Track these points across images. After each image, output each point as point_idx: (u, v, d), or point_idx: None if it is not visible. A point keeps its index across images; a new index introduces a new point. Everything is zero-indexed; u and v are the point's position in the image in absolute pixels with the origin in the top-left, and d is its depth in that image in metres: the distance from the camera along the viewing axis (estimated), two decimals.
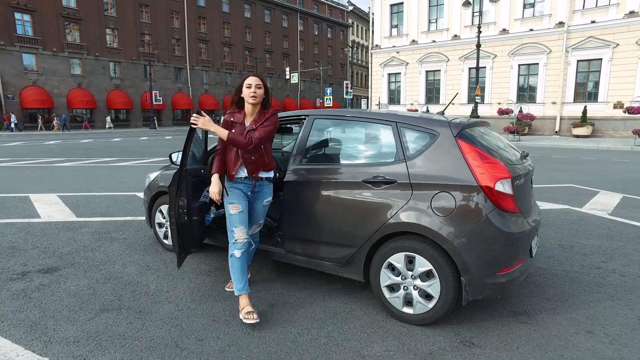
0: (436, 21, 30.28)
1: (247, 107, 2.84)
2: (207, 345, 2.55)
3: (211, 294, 3.30)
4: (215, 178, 2.86)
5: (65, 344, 2.58)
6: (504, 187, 2.53)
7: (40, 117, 36.77)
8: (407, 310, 2.77)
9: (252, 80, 2.79)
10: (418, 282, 2.70)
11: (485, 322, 2.83)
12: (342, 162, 3.19)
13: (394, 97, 33.44)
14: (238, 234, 2.80)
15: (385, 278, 2.82)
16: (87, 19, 39.22)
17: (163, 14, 45.15)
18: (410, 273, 2.72)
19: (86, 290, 3.37)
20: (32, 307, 3.08)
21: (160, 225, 4.34)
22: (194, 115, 2.77)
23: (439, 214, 2.60)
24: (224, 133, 2.75)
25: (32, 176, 9.73)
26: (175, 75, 47.47)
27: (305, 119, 3.34)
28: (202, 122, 2.76)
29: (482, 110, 26.28)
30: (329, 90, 36.15)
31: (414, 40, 31.17)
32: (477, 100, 22.84)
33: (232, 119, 2.85)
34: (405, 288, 2.76)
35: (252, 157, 2.82)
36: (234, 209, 2.81)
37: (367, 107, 33.07)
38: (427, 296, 2.69)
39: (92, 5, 39.46)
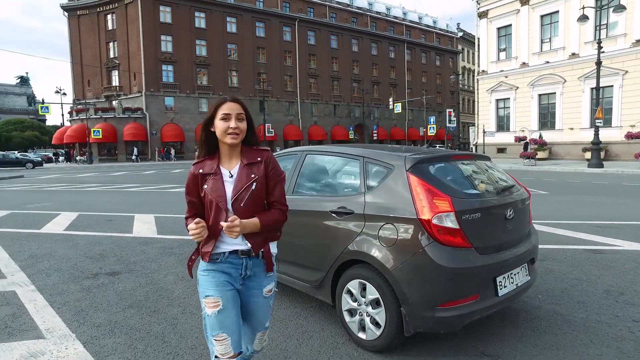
0: (550, 40, 28.02)
1: (224, 148, 1.87)
2: (185, 343, 3.05)
3: None
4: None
5: (90, 326, 3.35)
6: (443, 221, 2.57)
7: (172, 149, 42.93)
8: (362, 335, 2.90)
9: (230, 108, 1.81)
10: (369, 309, 2.83)
11: (449, 358, 2.81)
12: (317, 193, 3.49)
13: (502, 123, 31.44)
14: (221, 349, 1.80)
15: (345, 303, 3.00)
16: (214, 65, 45.22)
17: (277, 54, 49.73)
18: (363, 300, 2.87)
19: (128, 291, 4.18)
20: (87, 299, 3.97)
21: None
22: (224, 225, 1.71)
23: (383, 245, 2.72)
24: (255, 225, 1.80)
25: (149, 199, 11.68)
26: (287, 108, 51.39)
27: (298, 154, 3.74)
28: (239, 231, 1.73)
29: (607, 135, 23.21)
30: (432, 119, 35.53)
31: (524, 63, 29.17)
32: (597, 124, 20.30)
33: (201, 170, 1.86)
34: (360, 314, 2.91)
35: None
36: (211, 306, 1.81)
37: (474, 136, 31.54)
38: (377, 324, 2.79)
39: (219, 53, 45.42)
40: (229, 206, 1.80)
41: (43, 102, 36.32)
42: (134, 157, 40.24)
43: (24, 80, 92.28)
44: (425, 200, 2.62)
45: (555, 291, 3.99)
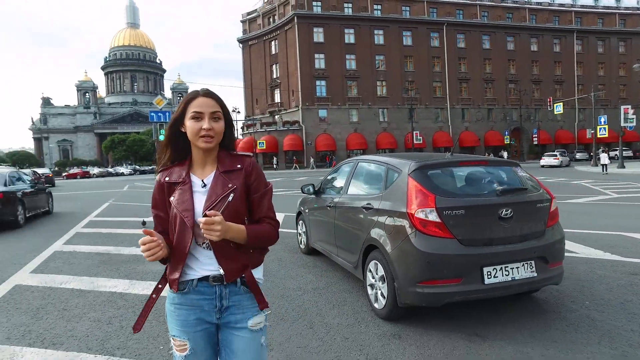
0: None
1: (196, 153, 1.55)
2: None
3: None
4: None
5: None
6: (427, 215, 3.17)
7: (327, 157, 46.75)
8: (376, 305, 3.64)
9: (202, 104, 1.48)
10: (380, 283, 3.57)
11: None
12: (361, 193, 4.32)
13: None
14: None
15: (368, 279, 3.78)
16: (363, 76, 47.70)
17: (424, 61, 49.53)
18: (377, 276, 3.63)
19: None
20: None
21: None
22: (201, 221, 1.35)
23: (386, 233, 3.45)
24: (241, 232, 1.46)
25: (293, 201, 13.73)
26: (436, 115, 50.59)
27: (354, 161, 4.65)
28: (221, 229, 1.36)
29: None
30: (602, 119, 30.65)
31: None
32: None
33: (167, 178, 1.56)
34: (376, 288, 3.66)
35: (231, 243, 1.48)
36: (178, 349, 1.53)
37: None
38: (383, 296, 3.51)
39: (367, 65, 47.71)
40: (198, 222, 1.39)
41: None
42: (274, 165, 45.62)
43: None
44: (414, 197, 3.28)
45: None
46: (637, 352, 2.90)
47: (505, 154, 45.74)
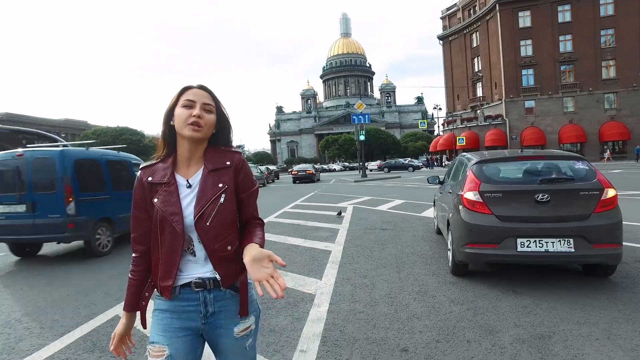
0: None
1: (182, 147, 1.43)
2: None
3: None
4: (123, 321, 1.48)
5: (352, 249, 6.90)
6: (472, 196, 4.32)
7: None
8: (449, 263, 4.93)
9: (195, 94, 1.41)
10: (450, 246, 4.86)
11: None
12: (454, 182, 5.51)
13: None
14: None
15: (448, 244, 5.06)
16: (581, 58, 41.35)
17: None
18: (449, 241, 4.92)
19: (381, 236, 7.49)
20: (362, 238, 7.57)
21: (450, 250, 7.26)
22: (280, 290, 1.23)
23: (452, 208, 4.72)
24: (256, 250, 1.33)
25: None
26: None
27: (459, 158, 5.87)
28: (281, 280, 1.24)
29: None
30: None
31: None
32: None
33: (150, 178, 1.43)
34: (450, 250, 4.94)
35: (229, 247, 1.41)
36: (153, 355, 1.40)
37: None
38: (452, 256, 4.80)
39: (588, 44, 41.07)
40: (188, 227, 1.36)
41: (429, 118, 45.59)
42: (443, 163, 43.88)
43: (419, 100, 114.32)
44: (467, 183, 4.49)
45: None
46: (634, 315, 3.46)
47: None
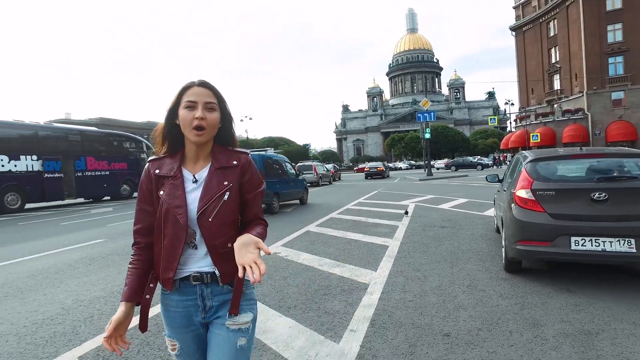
0: None
1: (189, 145, 1.47)
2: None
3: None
4: (122, 309, 1.41)
5: (410, 243, 7.12)
6: (524, 194, 4.37)
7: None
8: (503, 261, 5.00)
9: (196, 94, 1.42)
10: (503, 243, 4.93)
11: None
12: (511, 179, 5.52)
13: None
14: None
15: (502, 241, 5.13)
16: None
17: None
18: (502, 238, 4.99)
19: (439, 233, 7.61)
20: (420, 234, 7.75)
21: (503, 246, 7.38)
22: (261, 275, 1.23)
23: (506, 206, 4.80)
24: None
25: None
26: None
27: (518, 156, 5.85)
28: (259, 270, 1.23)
29: None
30: None
31: None
32: None
33: (157, 171, 1.47)
34: (503, 247, 5.01)
35: (229, 243, 1.42)
36: (170, 347, 1.51)
37: None
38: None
39: None
40: (191, 221, 1.39)
41: (500, 114, 43.52)
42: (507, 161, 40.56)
43: (490, 95, 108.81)
44: (520, 181, 4.55)
45: None
46: None
47: None
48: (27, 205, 17.67)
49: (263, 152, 14.68)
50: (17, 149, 17.00)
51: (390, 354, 2.99)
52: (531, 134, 41.82)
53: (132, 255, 1.50)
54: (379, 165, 37.82)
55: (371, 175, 35.76)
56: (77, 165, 19.65)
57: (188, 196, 1.42)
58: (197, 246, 1.42)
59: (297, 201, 15.04)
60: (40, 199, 17.95)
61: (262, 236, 1.42)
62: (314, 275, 5.16)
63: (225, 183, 1.43)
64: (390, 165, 69.19)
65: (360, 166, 68.03)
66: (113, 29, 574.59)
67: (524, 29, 49.96)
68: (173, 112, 1.44)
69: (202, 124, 1.39)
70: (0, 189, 16.13)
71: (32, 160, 17.43)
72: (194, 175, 1.45)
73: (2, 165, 16.34)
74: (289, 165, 14.79)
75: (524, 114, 47.46)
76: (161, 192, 1.43)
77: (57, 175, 18.42)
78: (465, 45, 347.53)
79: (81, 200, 21.10)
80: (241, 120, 51.24)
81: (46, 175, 17.89)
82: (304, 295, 4.40)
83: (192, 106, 1.40)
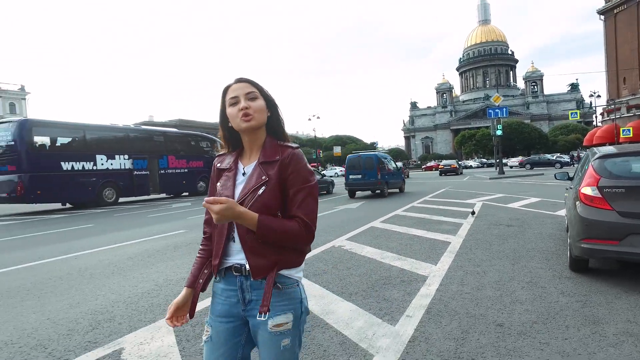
0: None
1: (244, 140, 1.53)
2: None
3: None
4: (183, 293, 1.53)
5: (471, 241, 7.13)
6: (590, 191, 4.27)
7: None
8: (569, 257, 4.90)
9: (235, 89, 1.46)
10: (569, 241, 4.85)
11: None
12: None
13: None
14: None
15: (567, 239, 5.03)
16: None
17: None
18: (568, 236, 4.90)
19: (503, 231, 7.49)
20: (484, 232, 7.69)
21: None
22: (206, 200, 1.30)
23: (571, 204, 4.71)
24: (252, 220, 1.34)
25: None
26: None
27: (587, 153, 5.66)
28: (219, 211, 1.27)
29: None
30: None
31: None
32: None
33: (219, 165, 1.58)
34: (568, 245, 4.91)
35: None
36: (205, 332, 1.51)
37: None
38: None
39: None
40: None
41: (585, 108, 40.27)
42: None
43: (574, 87, 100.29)
44: (586, 179, 4.47)
45: None
46: None
47: None
48: (120, 200, 19.84)
49: (377, 152, 20.41)
50: (113, 149, 19.23)
51: (442, 337, 3.21)
52: (621, 129, 38.12)
53: (200, 244, 1.61)
54: (452, 162, 40.98)
55: (445, 172, 38.66)
56: (161, 164, 21.70)
57: (236, 189, 1.46)
58: (234, 239, 1.44)
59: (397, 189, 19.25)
60: (130, 194, 20.18)
61: (282, 227, 1.36)
62: (376, 267, 5.44)
63: (264, 177, 1.41)
64: (460, 163, 66.75)
65: (429, 164, 66.32)
66: (190, 39, 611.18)
67: (615, 11, 45.51)
68: (223, 116, 1.51)
69: (247, 111, 1.42)
70: (100, 184, 18.34)
71: (124, 159, 19.61)
72: (244, 168, 1.49)
73: (102, 164, 18.60)
74: (392, 162, 19.47)
75: (612, 106, 43.29)
76: (218, 184, 1.51)
77: (144, 172, 20.54)
78: (543, 35, 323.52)
79: (163, 195, 23.18)
80: (309, 119, 52.60)
81: (135, 172, 20.04)
82: (365, 284, 4.69)
83: (235, 102, 1.45)
